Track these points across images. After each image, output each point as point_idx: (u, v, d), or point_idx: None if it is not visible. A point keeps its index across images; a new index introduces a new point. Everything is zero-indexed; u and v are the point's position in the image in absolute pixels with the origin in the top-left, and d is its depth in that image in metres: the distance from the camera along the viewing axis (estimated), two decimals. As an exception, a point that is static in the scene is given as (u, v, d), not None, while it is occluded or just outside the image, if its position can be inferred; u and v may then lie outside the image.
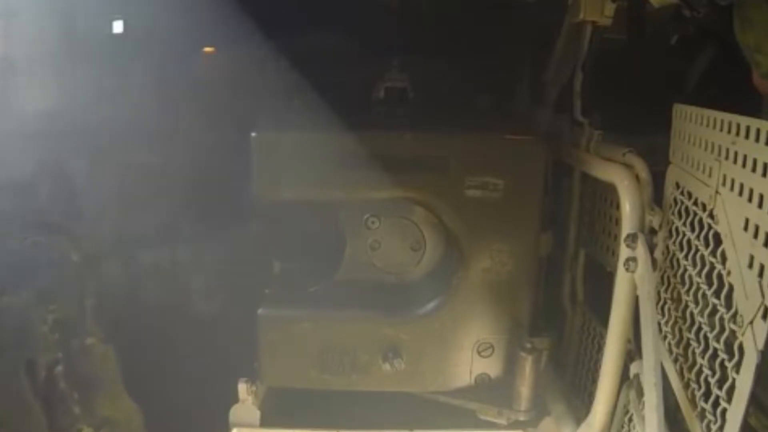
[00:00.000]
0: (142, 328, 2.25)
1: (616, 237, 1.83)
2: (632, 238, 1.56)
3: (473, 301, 1.86)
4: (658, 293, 1.60)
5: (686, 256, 1.44)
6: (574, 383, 2.19)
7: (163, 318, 2.39)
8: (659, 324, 1.59)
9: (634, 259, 1.56)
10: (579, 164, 1.98)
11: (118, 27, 2.40)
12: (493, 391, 1.92)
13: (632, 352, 1.67)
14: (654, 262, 1.55)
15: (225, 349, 2.21)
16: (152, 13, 2.25)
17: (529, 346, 1.84)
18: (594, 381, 1.91)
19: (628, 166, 1.67)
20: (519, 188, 1.77)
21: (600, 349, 1.92)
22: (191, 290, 2.60)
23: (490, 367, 1.91)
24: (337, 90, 2.01)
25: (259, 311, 1.87)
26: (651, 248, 1.55)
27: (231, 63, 2.55)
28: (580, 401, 2.10)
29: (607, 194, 1.91)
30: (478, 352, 1.89)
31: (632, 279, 1.58)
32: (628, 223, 1.59)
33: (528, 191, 1.78)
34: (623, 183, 1.63)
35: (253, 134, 1.78)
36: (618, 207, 1.82)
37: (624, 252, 1.59)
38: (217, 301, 2.54)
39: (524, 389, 1.87)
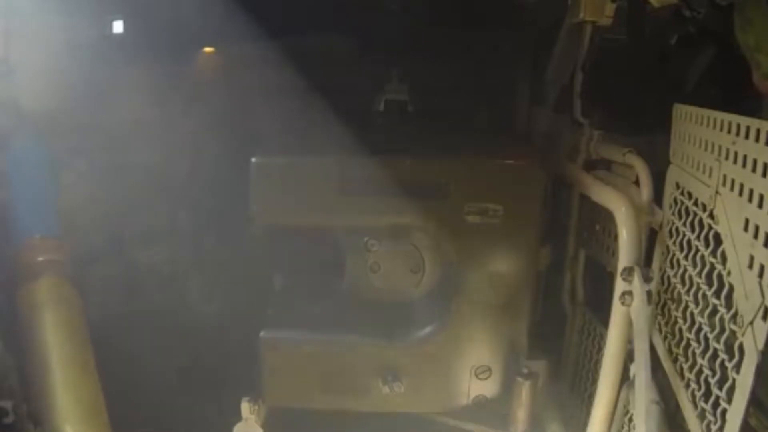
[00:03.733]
0: (140, 329, 2.25)
1: (617, 237, 1.83)
2: (628, 271, 1.57)
3: (471, 325, 1.88)
4: (658, 293, 1.60)
5: (686, 256, 1.44)
6: (574, 384, 2.19)
7: (162, 319, 2.39)
8: (659, 325, 1.59)
9: (630, 293, 1.57)
10: (577, 185, 1.98)
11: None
12: (491, 412, 1.95)
13: (632, 352, 1.67)
14: (649, 295, 1.55)
15: (225, 350, 2.22)
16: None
17: (525, 371, 1.87)
18: (594, 381, 1.91)
19: (626, 193, 1.66)
20: (518, 213, 1.79)
21: (600, 349, 1.92)
22: (189, 291, 2.59)
23: (488, 388, 1.93)
24: (337, 93, 2.02)
25: (261, 334, 1.89)
26: (647, 280, 1.55)
27: (230, 64, 2.55)
28: (580, 402, 2.10)
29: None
30: (476, 375, 1.92)
31: (627, 312, 1.59)
32: (624, 256, 1.59)
33: (527, 216, 1.80)
34: (621, 211, 1.63)
35: (253, 160, 1.79)
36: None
37: (620, 285, 1.59)
38: (216, 302, 2.53)
39: (521, 412, 1.89)
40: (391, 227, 1.83)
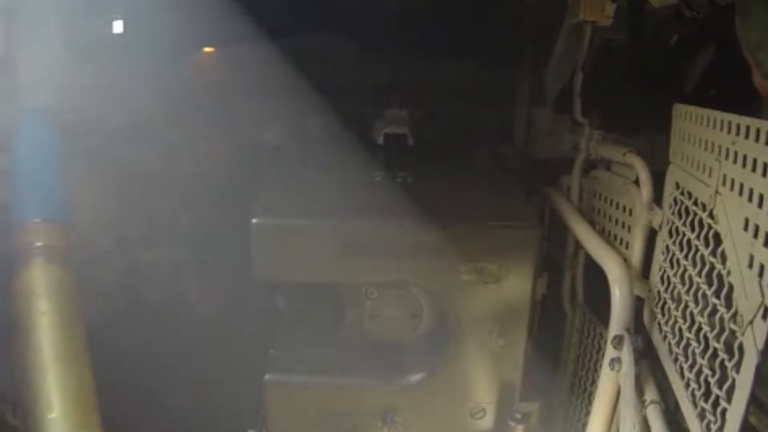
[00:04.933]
0: (141, 329, 2.25)
1: (616, 237, 1.84)
2: (619, 339, 1.60)
3: (467, 370, 1.93)
4: (658, 293, 1.61)
5: (686, 256, 1.44)
6: (574, 383, 2.19)
7: (162, 320, 2.39)
8: (659, 325, 1.59)
9: (618, 360, 1.61)
10: (575, 232, 1.98)
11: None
12: None
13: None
14: (637, 361, 1.58)
15: (225, 350, 2.22)
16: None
17: (518, 416, 1.93)
18: (594, 381, 1.92)
19: (620, 256, 1.69)
20: (514, 272, 1.83)
21: (600, 349, 1.93)
22: (190, 292, 2.59)
23: (483, 428, 1.99)
24: (337, 104, 2.03)
25: (266, 378, 1.94)
26: (635, 349, 1.58)
27: (231, 64, 2.55)
28: (580, 402, 2.11)
29: (608, 195, 1.91)
30: (471, 416, 1.97)
31: (616, 377, 1.63)
32: (615, 323, 1.62)
33: (522, 273, 1.84)
34: (615, 273, 1.65)
35: (254, 221, 1.82)
36: (618, 207, 1.83)
37: (609, 352, 1.63)
38: (216, 302, 2.53)
39: None
40: (390, 282, 1.89)
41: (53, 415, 1.49)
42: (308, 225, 1.85)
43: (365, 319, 1.94)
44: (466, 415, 1.97)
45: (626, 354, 1.56)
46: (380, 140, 2.16)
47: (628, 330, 1.60)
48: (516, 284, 1.84)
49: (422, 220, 1.80)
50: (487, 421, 1.98)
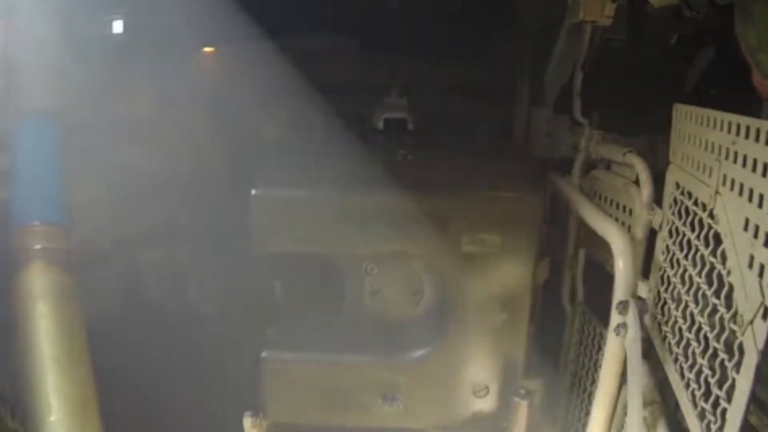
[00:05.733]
0: (141, 329, 2.25)
1: (616, 237, 1.83)
2: (624, 305, 1.60)
3: (469, 346, 1.90)
4: (658, 293, 1.61)
5: (686, 256, 1.44)
6: (574, 383, 2.19)
7: (162, 319, 2.38)
8: (659, 325, 1.59)
9: (624, 325, 1.60)
10: (574, 208, 1.98)
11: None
12: (489, 428, 1.97)
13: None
14: (643, 327, 1.58)
15: (225, 351, 2.22)
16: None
17: (522, 392, 1.90)
18: (594, 381, 1.91)
19: (623, 227, 1.69)
20: (516, 243, 1.81)
21: (600, 349, 1.92)
22: (190, 291, 2.59)
23: (486, 406, 1.96)
24: (337, 104, 2.04)
25: (263, 355, 1.92)
26: (641, 314, 1.58)
27: (231, 64, 2.55)
28: (580, 402, 2.11)
29: (608, 195, 1.91)
30: (474, 393, 1.94)
31: (622, 343, 1.62)
32: (620, 290, 1.61)
33: (524, 246, 1.82)
34: (617, 242, 1.64)
35: (253, 192, 1.80)
36: (618, 207, 1.83)
37: (615, 317, 1.62)
38: (216, 302, 2.53)
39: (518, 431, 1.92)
40: (390, 255, 1.86)
41: (53, 417, 1.49)
42: (308, 195, 1.83)
43: (365, 295, 1.91)
44: (469, 393, 1.93)
45: (632, 319, 1.55)
46: (380, 125, 2.13)
47: (632, 296, 1.59)
48: (518, 256, 1.80)
49: (422, 190, 1.78)
50: (491, 399, 1.94)
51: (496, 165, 2.00)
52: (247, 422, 1.94)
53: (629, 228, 1.75)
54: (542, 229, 1.85)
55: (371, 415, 1.95)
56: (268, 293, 2.00)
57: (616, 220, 1.83)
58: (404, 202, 1.77)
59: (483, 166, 1.97)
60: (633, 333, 1.56)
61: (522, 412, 1.90)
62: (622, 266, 1.61)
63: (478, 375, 1.93)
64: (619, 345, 1.63)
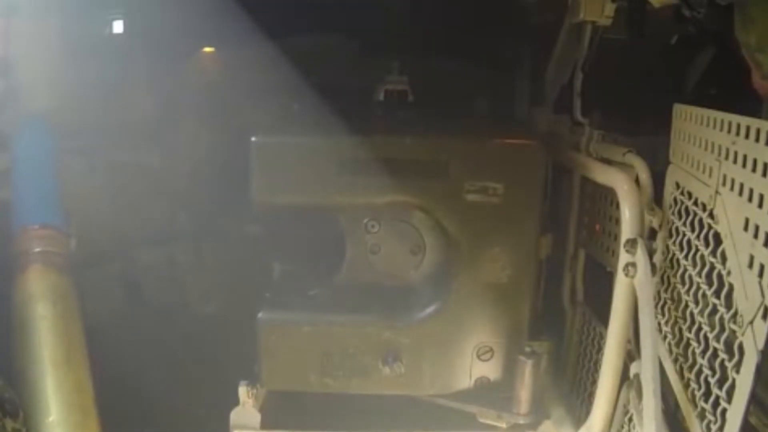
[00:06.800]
0: (141, 329, 2.25)
1: (617, 237, 1.83)
2: (632, 243, 1.56)
3: (473, 305, 1.85)
4: (658, 293, 1.61)
5: (686, 256, 1.44)
6: (574, 383, 2.19)
7: (162, 319, 2.39)
8: (659, 325, 1.59)
9: (633, 265, 1.56)
10: (578, 167, 1.98)
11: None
12: (493, 394, 1.92)
13: (632, 352, 1.67)
14: (653, 267, 1.55)
15: (225, 351, 2.22)
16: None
17: (528, 350, 1.84)
18: (594, 381, 1.91)
19: (628, 170, 1.66)
20: (519, 192, 1.77)
21: (600, 349, 1.92)
22: (190, 291, 2.59)
23: (490, 370, 1.90)
24: (337, 93, 2.01)
25: (259, 315, 1.86)
26: (650, 253, 1.55)
27: (230, 64, 2.55)
28: (580, 402, 2.10)
29: (607, 194, 1.91)
30: (478, 356, 1.88)
31: (631, 284, 1.58)
32: (627, 228, 1.59)
33: (528, 195, 1.78)
34: (623, 187, 1.63)
35: (253, 139, 1.77)
36: (618, 207, 1.82)
37: (623, 257, 1.59)
38: (216, 302, 2.54)
39: (524, 393, 1.87)
40: (391, 207, 1.81)
41: (51, 419, 1.49)
42: (308, 143, 1.80)
43: (366, 255, 1.88)
44: (473, 355, 1.88)
45: (641, 257, 1.53)
46: (380, 96, 2.11)
47: (641, 236, 1.56)
48: (522, 205, 1.77)
49: (424, 137, 1.77)
50: (495, 362, 1.88)
51: (497, 118, 2.02)
52: (243, 392, 1.88)
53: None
54: (546, 178, 1.82)
55: (372, 381, 1.89)
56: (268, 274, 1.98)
57: (617, 220, 1.83)
58: (404, 149, 1.75)
59: (484, 119, 2.00)
60: (643, 272, 1.52)
61: (527, 372, 1.84)
62: (628, 209, 1.58)
63: (482, 336, 1.87)
64: (628, 287, 1.58)
